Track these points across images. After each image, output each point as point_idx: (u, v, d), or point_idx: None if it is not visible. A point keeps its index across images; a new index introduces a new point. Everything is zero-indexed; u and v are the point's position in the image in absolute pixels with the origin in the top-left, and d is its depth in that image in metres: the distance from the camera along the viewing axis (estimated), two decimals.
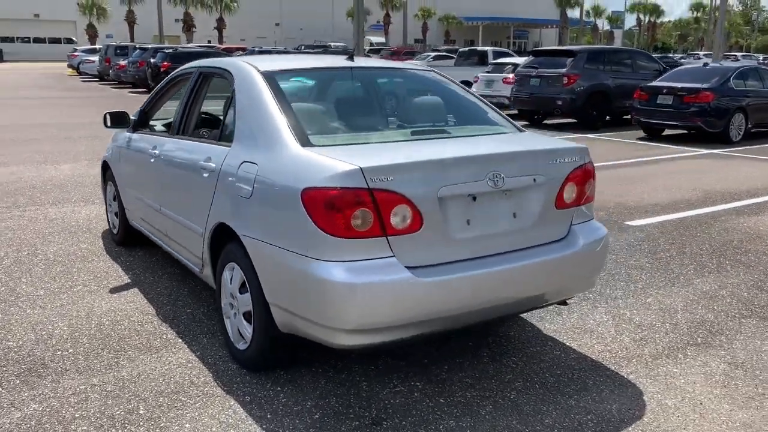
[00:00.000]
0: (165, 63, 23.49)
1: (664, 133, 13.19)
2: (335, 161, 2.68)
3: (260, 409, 2.94)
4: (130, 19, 46.64)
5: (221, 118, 3.69)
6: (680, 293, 4.43)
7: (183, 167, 3.73)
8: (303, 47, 40.06)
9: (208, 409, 2.93)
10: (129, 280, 4.57)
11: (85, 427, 2.78)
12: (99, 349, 3.52)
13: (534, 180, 3.04)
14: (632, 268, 4.93)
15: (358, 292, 2.59)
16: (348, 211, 2.58)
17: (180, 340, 3.62)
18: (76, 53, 37.97)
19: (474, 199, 2.88)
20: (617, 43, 66.04)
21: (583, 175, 3.25)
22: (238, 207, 3.06)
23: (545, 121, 15.51)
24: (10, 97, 21.30)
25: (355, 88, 3.82)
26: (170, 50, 25.03)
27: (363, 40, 21.60)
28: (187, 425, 2.81)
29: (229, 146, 3.30)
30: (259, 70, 3.44)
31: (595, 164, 3.44)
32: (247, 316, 3.14)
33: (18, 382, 3.16)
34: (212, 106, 4.40)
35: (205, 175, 3.39)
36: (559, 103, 13.89)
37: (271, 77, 3.37)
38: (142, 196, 4.45)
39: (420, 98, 3.73)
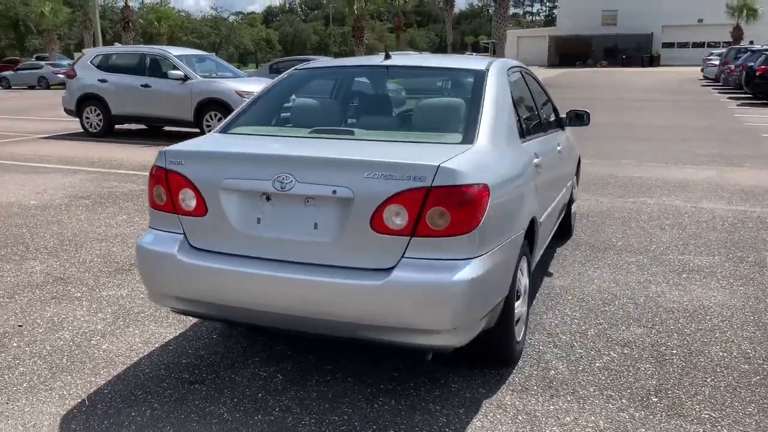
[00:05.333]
0: (762, 66, 21.31)
1: None
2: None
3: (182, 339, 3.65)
4: None
5: None
6: None
7: None
8: None
9: (159, 328, 3.82)
10: None
11: (107, 318, 4.09)
12: None
13: (333, 192, 2.65)
14: None
15: (140, 255, 3.03)
16: (153, 187, 3.03)
17: None
18: (710, 57, 37.36)
19: (268, 198, 2.79)
20: None
21: (422, 200, 2.56)
22: None
23: None
24: (629, 99, 22.88)
25: (347, 86, 3.74)
26: None
27: None
28: (136, 332, 3.80)
29: None
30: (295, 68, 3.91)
31: None
32: None
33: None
34: None
35: None
36: None
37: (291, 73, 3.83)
38: None
39: (398, 102, 3.41)
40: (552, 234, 4.66)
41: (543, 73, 45.75)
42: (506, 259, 2.91)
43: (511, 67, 3.85)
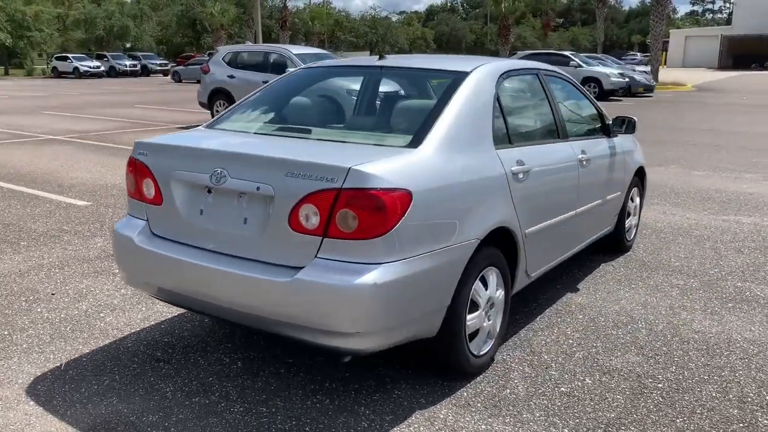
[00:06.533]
0: None
1: None
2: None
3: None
4: None
5: None
6: None
7: None
8: None
9: (164, 307, 4.10)
10: None
11: (126, 294, 4.44)
12: None
13: (257, 188, 2.70)
14: None
15: (113, 238, 3.27)
16: (127, 175, 3.26)
17: None
18: None
19: (209, 191, 2.91)
20: None
21: (332, 201, 2.54)
22: None
23: None
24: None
25: (334, 86, 3.71)
26: None
27: None
28: (142, 309, 4.11)
29: None
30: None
31: None
32: None
33: None
34: None
35: None
36: None
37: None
38: None
39: (376, 103, 3.38)
40: (578, 248, 4.38)
41: (706, 76, 42.31)
42: (441, 267, 2.80)
43: (511, 71, 3.65)
